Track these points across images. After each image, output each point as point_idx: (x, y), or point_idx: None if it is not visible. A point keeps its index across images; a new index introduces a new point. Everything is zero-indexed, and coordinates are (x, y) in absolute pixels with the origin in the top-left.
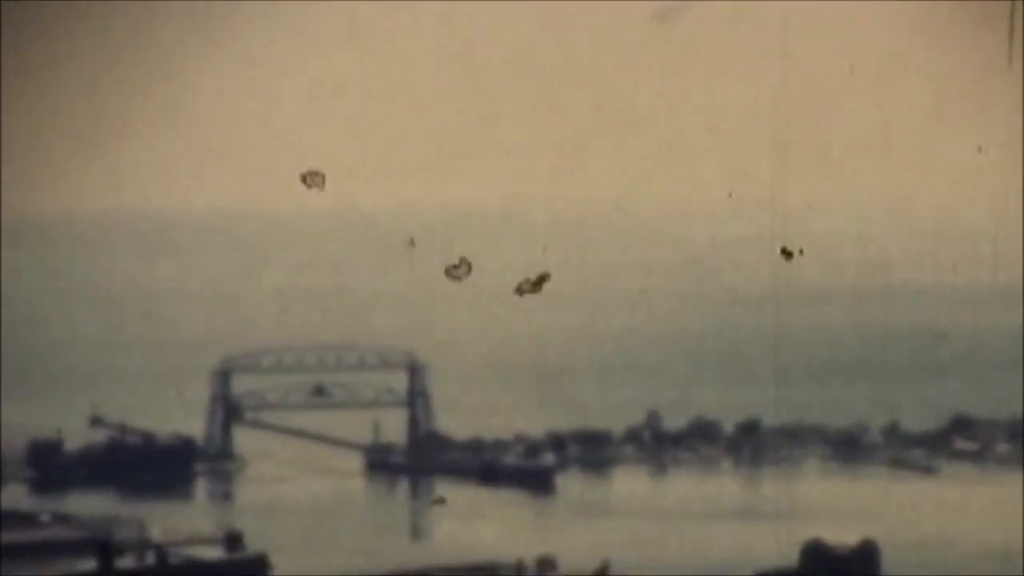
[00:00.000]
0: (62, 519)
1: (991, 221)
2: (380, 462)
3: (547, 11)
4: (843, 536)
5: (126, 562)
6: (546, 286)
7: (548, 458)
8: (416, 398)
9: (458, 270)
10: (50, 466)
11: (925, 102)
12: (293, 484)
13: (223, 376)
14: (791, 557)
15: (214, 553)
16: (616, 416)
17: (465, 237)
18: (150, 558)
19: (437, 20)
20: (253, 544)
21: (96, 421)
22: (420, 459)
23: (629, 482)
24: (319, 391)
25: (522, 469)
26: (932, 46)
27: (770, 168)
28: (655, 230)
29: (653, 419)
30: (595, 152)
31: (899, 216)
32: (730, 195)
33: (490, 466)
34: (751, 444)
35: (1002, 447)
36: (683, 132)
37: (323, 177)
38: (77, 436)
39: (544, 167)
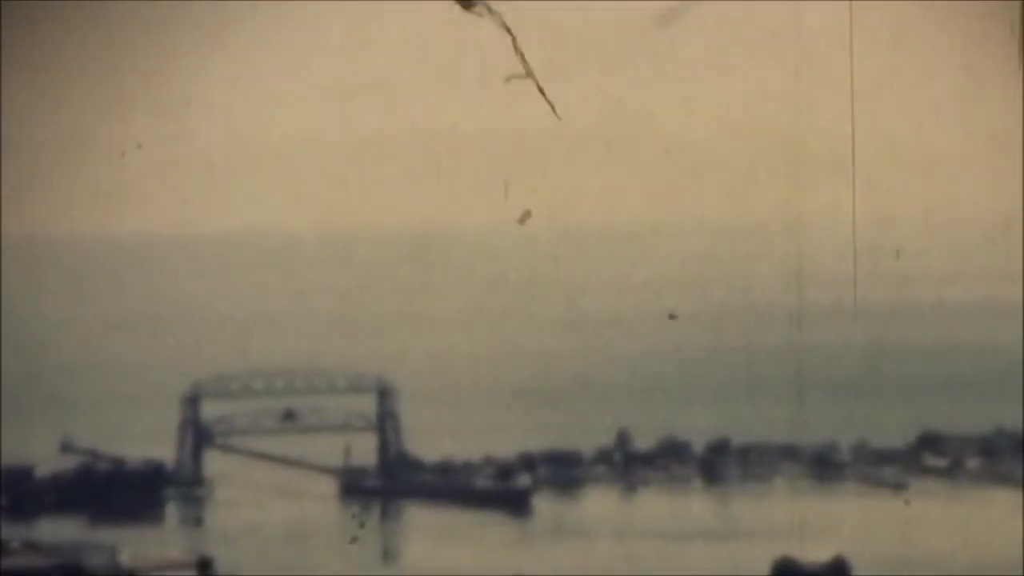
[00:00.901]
0: (32, 546)
1: (988, 233)
2: (354, 485)
3: (544, 15)
4: (814, 553)
5: None
6: (517, 306)
7: (524, 479)
8: (386, 421)
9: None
10: (20, 493)
11: (933, 105)
12: (264, 508)
13: (193, 401)
14: (762, 575)
15: None
16: (586, 437)
17: (442, 256)
18: None
19: (428, 26)
20: (224, 569)
21: (66, 447)
22: (392, 482)
23: (600, 502)
24: (289, 415)
25: (498, 491)
26: (935, 47)
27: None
28: (633, 247)
29: (623, 439)
30: (585, 170)
31: (887, 230)
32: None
33: (467, 488)
34: (721, 463)
35: (972, 463)
36: (686, 144)
37: None
38: (47, 463)
39: (543, 185)
